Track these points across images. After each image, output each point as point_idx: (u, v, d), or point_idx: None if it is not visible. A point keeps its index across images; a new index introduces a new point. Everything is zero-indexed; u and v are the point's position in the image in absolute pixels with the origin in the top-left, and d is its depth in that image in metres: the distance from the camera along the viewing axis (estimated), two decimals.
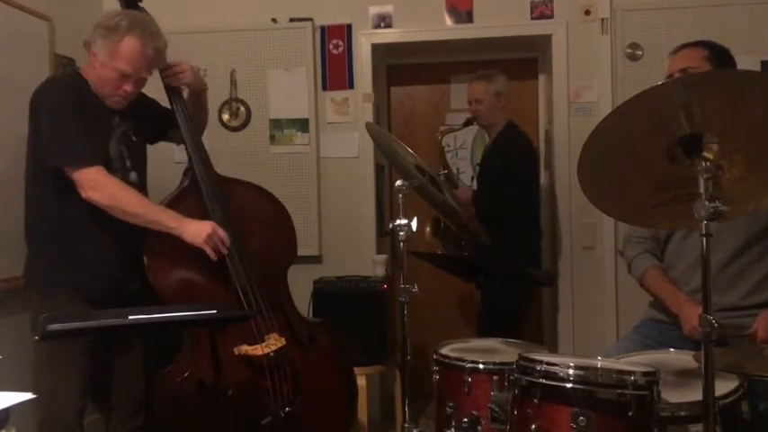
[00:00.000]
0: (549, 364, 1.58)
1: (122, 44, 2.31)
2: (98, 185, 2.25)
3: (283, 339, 2.43)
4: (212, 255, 2.35)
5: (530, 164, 3.42)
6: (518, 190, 3.33)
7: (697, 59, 2.24)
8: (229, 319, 2.32)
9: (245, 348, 2.38)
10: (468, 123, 3.59)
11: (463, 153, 4.19)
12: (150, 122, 2.57)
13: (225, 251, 2.38)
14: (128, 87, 2.37)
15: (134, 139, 2.48)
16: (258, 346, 2.38)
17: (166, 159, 3.47)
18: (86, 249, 2.35)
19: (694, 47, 2.30)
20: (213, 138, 3.66)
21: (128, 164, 2.42)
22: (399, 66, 4.19)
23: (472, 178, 4.10)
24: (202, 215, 2.42)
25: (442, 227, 3.46)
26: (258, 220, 2.61)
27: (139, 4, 2.56)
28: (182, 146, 2.60)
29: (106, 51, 2.31)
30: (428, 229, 3.51)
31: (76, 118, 2.28)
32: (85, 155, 2.27)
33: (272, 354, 2.39)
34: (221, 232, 2.37)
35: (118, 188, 2.30)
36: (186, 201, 2.45)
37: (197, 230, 2.33)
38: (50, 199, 2.34)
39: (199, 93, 2.69)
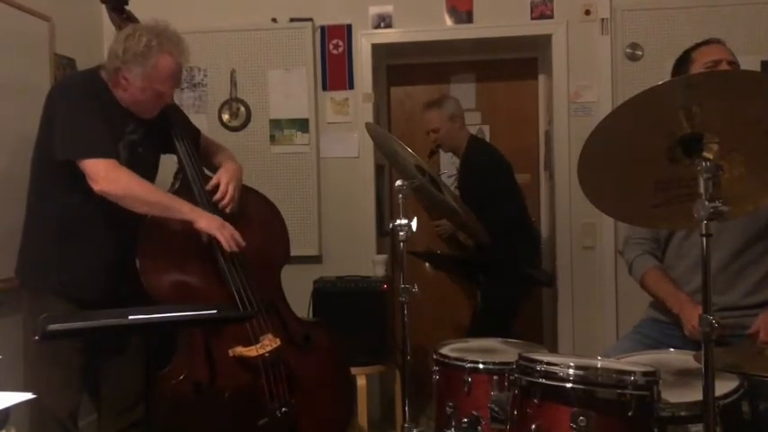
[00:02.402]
0: (549, 364, 1.58)
1: (159, 66, 2.30)
2: (111, 177, 2.24)
3: (278, 340, 2.42)
4: (226, 244, 2.34)
5: (502, 176, 3.43)
6: (499, 208, 3.31)
7: (734, 56, 2.26)
8: (229, 320, 2.32)
9: (240, 350, 2.37)
10: (432, 153, 3.65)
11: None
12: (163, 132, 2.54)
13: (235, 248, 2.38)
14: (167, 101, 2.42)
15: (140, 150, 2.46)
16: (253, 347, 2.38)
17: (167, 159, 3.47)
18: (78, 252, 2.35)
19: (722, 43, 2.30)
20: (213, 138, 3.64)
21: None
22: (399, 66, 4.19)
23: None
24: None
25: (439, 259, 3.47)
26: (250, 221, 2.59)
27: (126, 7, 2.56)
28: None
29: (145, 76, 2.30)
30: (427, 264, 3.52)
31: (92, 114, 2.28)
32: (99, 147, 2.26)
33: (266, 355, 2.38)
34: (229, 226, 2.37)
35: (131, 179, 2.29)
36: None
37: (211, 217, 2.35)
38: (51, 198, 2.34)
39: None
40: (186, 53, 2.39)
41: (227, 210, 2.48)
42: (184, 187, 2.49)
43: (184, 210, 2.32)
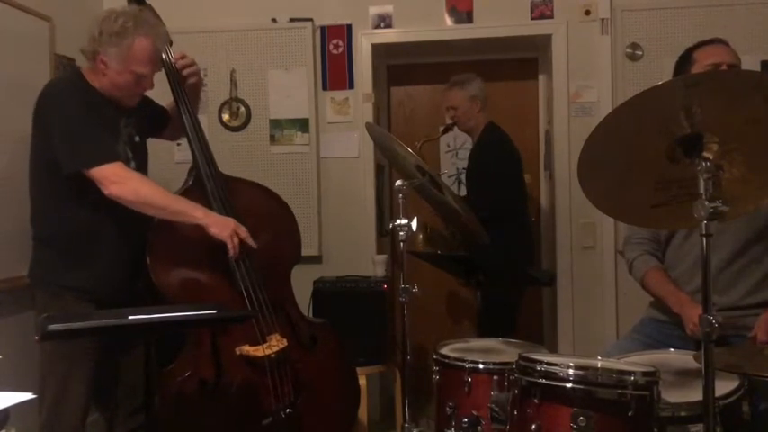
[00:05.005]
0: (549, 364, 1.58)
1: (135, 47, 2.29)
2: (120, 180, 2.24)
3: (285, 341, 2.43)
4: (234, 250, 2.34)
5: (506, 163, 3.41)
6: (496, 190, 3.30)
7: (737, 58, 2.25)
8: (229, 319, 2.32)
9: (247, 349, 2.38)
10: (447, 130, 3.61)
11: (464, 153, 4.18)
12: (149, 120, 2.57)
13: (247, 244, 2.37)
14: (146, 85, 2.39)
15: (137, 139, 2.48)
16: (260, 346, 2.38)
17: (167, 159, 3.48)
18: (93, 252, 2.35)
19: (726, 44, 2.29)
20: (213, 138, 3.65)
21: (132, 165, 2.41)
22: (399, 66, 4.19)
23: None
24: None
25: (429, 231, 3.46)
26: (262, 220, 2.60)
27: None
28: (183, 146, 2.60)
29: (120, 58, 2.29)
30: (421, 236, 3.50)
31: (88, 118, 2.27)
32: (104, 152, 2.26)
33: (272, 355, 2.38)
34: (242, 229, 2.37)
35: (140, 182, 2.30)
36: (190, 199, 2.44)
37: (224, 223, 2.34)
38: (58, 201, 2.33)
39: (199, 88, 2.69)
40: (163, 37, 2.38)
41: (191, 80, 2.57)
42: (197, 184, 2.50)
43: (197, 215, 2.31)
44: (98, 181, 2.23)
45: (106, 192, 2.22)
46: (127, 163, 2.38)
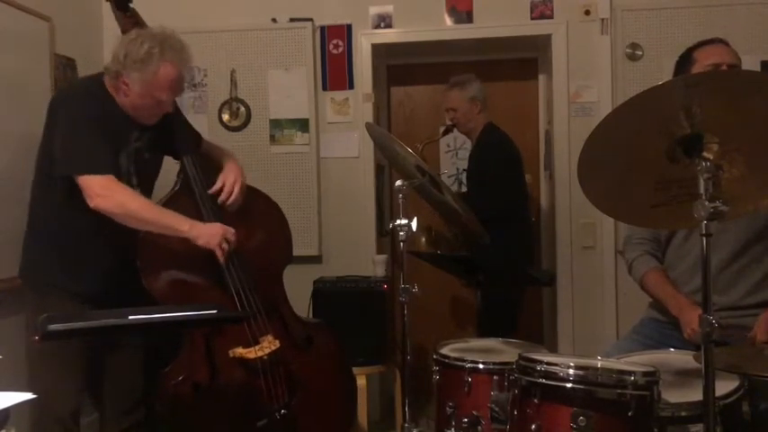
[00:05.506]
0: (549, 364, 1.58)
1: (160, 74, 2.29)
2: (106, 193, 2.23)
3: (277, 342, 2.42)
4: (222, 258, 2.34)
5: (506, 164, 3.40)
6: (497, 191, 3.30)
7: (737, 58, 2.25)
8: (228, 320, 2.32)
9: (240, 351, 2.38)
10: (447, 131, 3.61)
11: (464, 153, 4.19)
12: (166, 137, 2.54)
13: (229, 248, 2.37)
14: (165, 109, 2.39)
15: (146, 155, 2.46)
16: (252, 348, 2.38)
17: (166, 160, 3.46)
18: (86, 254, 2.35)
19: (726, 44, 2.29)
20: (213, 138, 3.64)
21: (134, 180, 2.41)
22: (399, 66, 4.19)
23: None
24: (196, 217, 2.39)
25: (434, 234, 3.46)
26: (252, 221, 2.59)
27: (130, 5, 2.55)
28: None
29: (143, 83, 2.29)
30: (423, 239, 3.51)
31: (92, 129, 2.26)
32: (98, 162, 2.25)
33: (265, 357, 2.38)
34: (231, 232, 2.36)
35: (126, 196, 2.28)
36: (179, 203, 2.43)
37: (211, 232, 2.33)
38: (57, 204, 2.33)
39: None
40: (188, 61, 2.38)
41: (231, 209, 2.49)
42: (185, 187, 2.49)
43: (183, 228, 2.29)
44: (84, 191, 2.22)
45: (91, 204, 2.21)
46: (128, 177, 2.38)
